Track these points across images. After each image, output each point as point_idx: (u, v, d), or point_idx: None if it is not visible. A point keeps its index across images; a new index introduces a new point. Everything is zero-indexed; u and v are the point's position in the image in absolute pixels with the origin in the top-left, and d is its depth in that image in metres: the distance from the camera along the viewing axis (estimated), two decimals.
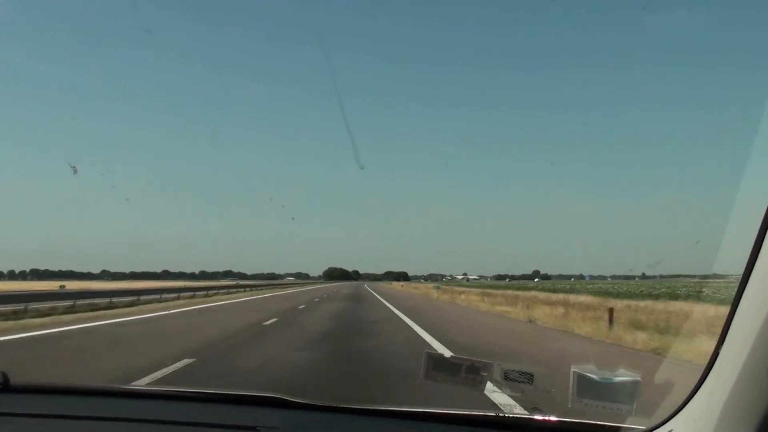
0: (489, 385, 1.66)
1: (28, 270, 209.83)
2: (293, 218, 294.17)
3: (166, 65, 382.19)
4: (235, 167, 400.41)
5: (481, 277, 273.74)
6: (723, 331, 1.55)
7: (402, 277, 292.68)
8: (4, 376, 1.88)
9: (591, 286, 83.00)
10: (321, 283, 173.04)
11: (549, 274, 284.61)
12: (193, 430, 1.73)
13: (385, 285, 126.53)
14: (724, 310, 1.46)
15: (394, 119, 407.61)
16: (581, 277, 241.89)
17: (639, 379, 1.57)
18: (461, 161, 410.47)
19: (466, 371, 1.62)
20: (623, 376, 1.57)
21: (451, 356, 1.67)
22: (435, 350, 1.73)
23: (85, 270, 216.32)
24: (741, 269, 1.39)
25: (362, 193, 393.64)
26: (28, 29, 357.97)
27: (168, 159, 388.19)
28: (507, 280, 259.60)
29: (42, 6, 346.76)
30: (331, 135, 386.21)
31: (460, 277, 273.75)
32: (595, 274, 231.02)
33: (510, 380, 1.61)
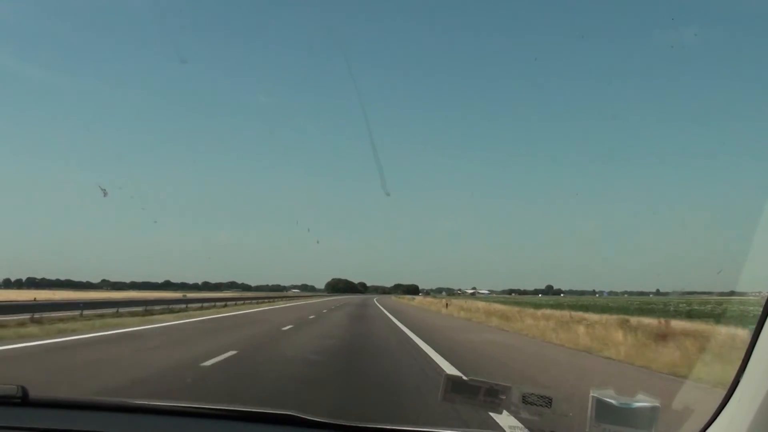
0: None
1: (24, 279, 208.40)
2: (318, 241, 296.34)
3: (192, 82, 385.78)
4: (243, 179, 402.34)
5: (491, 291, 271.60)
6: (746, 354, 1.55)
7: (413, 290, 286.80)
8: (24, 390, 1.91)
9: (644, 304, 67.71)
10: (321, 296, 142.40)
11: (561, 289, 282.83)
12: None
13: (405, 302, 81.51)
14: None
15: (406, 132, 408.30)
16: (593, 292, 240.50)
17: (658, 404, 1.57)
18: (473, 175, 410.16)
19: (485, 394, 1.64)
20: (642, 401, 1.58)
21: (470, 379, 1.68)
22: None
23: (84, 279, 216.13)
24: (764, 288, 1.39)
25: (372, 206, 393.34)
26: (51, 42, 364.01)
27: (178, 170, 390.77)
28: (512, 294, 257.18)
29: (68, 20, 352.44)
30: (346, 146, 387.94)
31: (470, 291, 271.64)
32: (606, 289, 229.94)
33: (528, 403, 1.63)
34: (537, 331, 21.50)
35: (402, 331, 20.84)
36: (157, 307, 31.89)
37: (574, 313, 30.54)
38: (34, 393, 1.95)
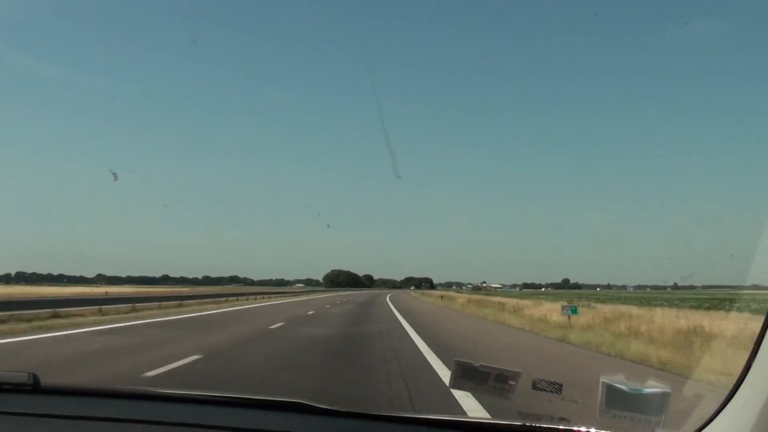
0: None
1: (13, 273, 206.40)
2: (328, 226, 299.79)
3: (202, 74, 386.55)
4: (249, 171, 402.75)
5: (503, 285, 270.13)
6: (756, 341, 1.59)
7: (426, 283, 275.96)
8: (35, 377, 1.98)
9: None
10: (312, 293, 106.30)
11: (579, 282, 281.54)
12: None
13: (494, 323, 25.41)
14: None
15: (419, 126, 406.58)
16: (608, 286, 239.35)
17: (668, 390, 1.61)
18: (484, 168, 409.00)
19: (495, 380, 1.68)
20: (652, 387, 1.62)
21: (480, 364, 1.73)
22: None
23: (77, 274, 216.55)
24: None
25: (382, 199, 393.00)
26: (62, 38, 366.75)
27: (183, 162, 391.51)
28: (518, 288, 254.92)
29: (77, 14, 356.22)
30: (358, 140, 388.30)
31: (480, 285, 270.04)
32: (619, 283, 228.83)
33: (538, 389, 1.67)
34: None
35: None
36: None
37: None
38: (45, 380, 2.02)
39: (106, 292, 44.93)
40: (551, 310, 26.98)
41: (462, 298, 58.91)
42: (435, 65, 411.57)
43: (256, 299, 51.10)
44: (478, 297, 59.26)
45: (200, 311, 28.64)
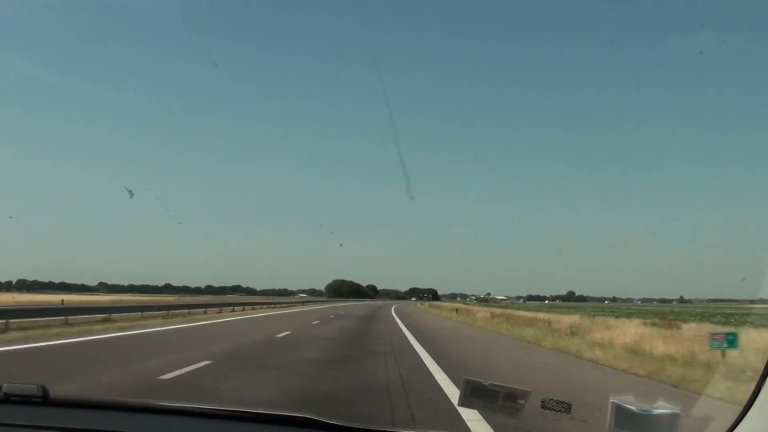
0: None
1: (14, 281, 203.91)
2: (341, 245, 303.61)
3: (217, 88, 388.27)
4: (255, 182, 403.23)
5: (508, 297, 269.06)
6: (767, 363, 1.59)
7: (430, 294, 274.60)
8: (44, 389, 1.99)
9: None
10: (317, 302, 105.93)
11: (584, 295, 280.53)
12: None
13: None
14: None
15: (424, 136, 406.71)
16: (614, 299, 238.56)
17: (678, 411, 1.61)
18: (490, 179, 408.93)
19: (504, 398, 1.68)
20: (662, 408, 1.62)
21: (489, 383, 1.73)
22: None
23: (79, 282, 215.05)
24: None
25: (387, 209, 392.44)
26: (76, 49, 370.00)
27: (189, 172, 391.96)
28: (521, 300, 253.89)
29: (93, 27, 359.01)
30: (365, 149, 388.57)
31: (489, 297, 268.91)
32: (625, 296, 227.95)
33: (547, 409, 1.68)
34: None
35: None
36: None
37: None
38: (55, 392, 2.03)
39: (63, 301, 42.49)
40: (638, 334, 19.85)
41: (481, 312, 49.83)
42: (440, 76, 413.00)
43: (234, 311, 43.87)
44: (499, 311, 51.35)
45: (119, 331, 19.41)
